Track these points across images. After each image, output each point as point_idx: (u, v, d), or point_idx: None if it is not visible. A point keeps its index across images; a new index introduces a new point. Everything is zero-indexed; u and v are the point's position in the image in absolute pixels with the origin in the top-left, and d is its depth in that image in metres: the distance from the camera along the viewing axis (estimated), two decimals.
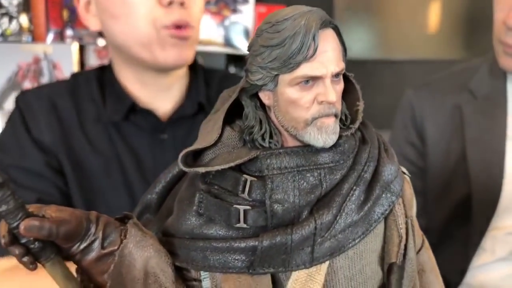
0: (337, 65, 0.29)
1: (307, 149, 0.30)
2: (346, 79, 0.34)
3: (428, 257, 0.37)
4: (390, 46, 1.90)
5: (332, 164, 0.30)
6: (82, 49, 1.39)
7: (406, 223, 0.33)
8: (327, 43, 0.29)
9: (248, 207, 0.29)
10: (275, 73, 0.29)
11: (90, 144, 0.73)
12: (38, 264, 0.28)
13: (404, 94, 1.04)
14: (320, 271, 0.29)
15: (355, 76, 0.34)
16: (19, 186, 0.68)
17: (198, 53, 1.46)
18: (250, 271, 0.29)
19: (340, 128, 0.32)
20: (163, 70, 0.76)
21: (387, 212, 0.32)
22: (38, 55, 1.33)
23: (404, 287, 0.31)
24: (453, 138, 0.95)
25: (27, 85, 1.31)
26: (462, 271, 0.92)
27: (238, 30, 1.52)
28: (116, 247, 0.29)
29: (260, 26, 0.31)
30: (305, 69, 0.29)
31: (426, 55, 1.86)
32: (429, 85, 1.04)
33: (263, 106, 0.31)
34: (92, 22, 0.77)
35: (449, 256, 0.89)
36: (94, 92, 0.77)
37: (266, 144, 0.31)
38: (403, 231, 0.32)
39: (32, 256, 0.27)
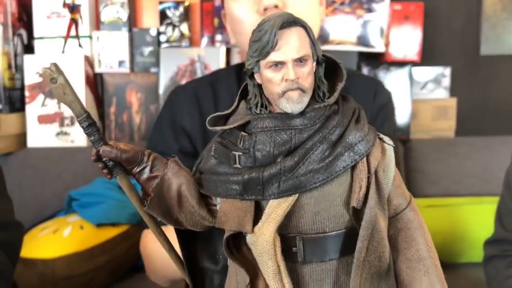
0: (297, 53, 0.39)
1: (284, 115, 0.41)
2: (337, 65, 0.44)
3: (414, 217, 0.44)
4: None
5: (301, 126, 0.41)
6: (228, 51, 1.58)
7: (368, 177, 0.40)
8: (290, 37, 0.39)
9: (240, 153, 0.41)
10: (256, 59, 0.40)
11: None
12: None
13: None
14: (286, 202, 0.40)
15: None
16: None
17: (330, 52, 1.52)
18: (240, 197, 0.41)
19: (317, 101, 0.42)
20: None
21: (348, 166, 0.40)
22: (193, 58, 1.56)
23: (362, 228, 0.39)
24: None
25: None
26: None
27: (372, 28, 1.52)
28: (160, 173, 0.44)
29: (253, 29, 0.42)
30: (272, 56, 0.40)
31: None
32: None
33: (260, 84, 0.43)
34: (230, 35, 0.87)
35: None
36: (231, 84, 0.87)
37: (258, 111, 0.42)
38: (363, 183, 0.40)
39: (108, 170, 0.44)
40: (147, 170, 0.44)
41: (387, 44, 1.54)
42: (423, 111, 1.60)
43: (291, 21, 0.40)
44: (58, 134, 1.49)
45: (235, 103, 0.45)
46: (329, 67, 0.43)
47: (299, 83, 0.40)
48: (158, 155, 0.45)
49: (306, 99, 0.40)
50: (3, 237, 0.70)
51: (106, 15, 1.56)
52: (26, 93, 1.48)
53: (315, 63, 0.41)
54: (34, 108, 1.48)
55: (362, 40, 1.53)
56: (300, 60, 0.39)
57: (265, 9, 0.77)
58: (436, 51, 1.64)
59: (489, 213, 0.97)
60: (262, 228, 0.40)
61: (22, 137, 1.47)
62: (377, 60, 1.57)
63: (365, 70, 1.55)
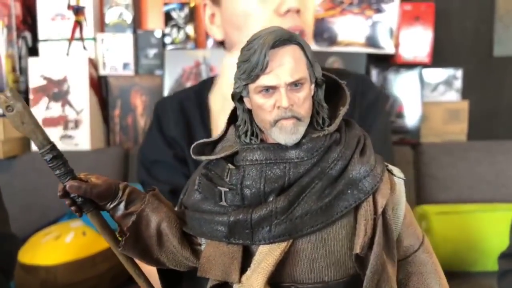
0: (291, 76, 0.34)
1: (278, 145, 0.36)
2: (340, 86, 0.39)
3: (427, 259, 0.38)
4: None
5: (297, 159, 0.35)
6: None
7: (374, 219, 0.35)
8: (284, 58, 0.34)
9: (226, 189, 0.36)
10: (244, 83, 0.35)
11: (209, 137, 0.83)
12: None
13: None
14: (278, 248, 0.35)
15: None
16: (156, 180, 0.81)
17: (338, 54, 1.49)
18: (226, 240, 0.36)
19: (316, 129, 0.36)
20: None
21: (352, 206, 0.35)
22: (198, 60, 1.54)
23: (367, 278, 0.34)
24: None
25: (189, 86, 1.53)
26: None
27: (382, 29, 1.49)
28: (136, 209, 0.39)
29: (242, 47, 0.36)
30: (263, 80, 0.34)
31: None
32: None
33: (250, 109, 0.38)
34: (216, 32, 0.85)
35: None
36: None
37: (248, 140, 0.37)
38: (368, 226, 0.35)
39: (77, 207, 0.39)
40: (122, 206, 0.39)
41: (396, 46, 1.50)
42: (434, 114, 1.56)
43: (285, 39, 0.34)
44: (62, 137, 1.47)
45: (224, 128, 0.40)
46: (330, 87, 0.38)
47: (294, 111, 0.34)
48: (135, 188, 0.40)
49: (302, 128, 0.35)
50: None
51: (111, 17, 1.55)
52: (31, 96, 1.47)
53: (313, 85, 0.36)
54: (39, 111, 1.46)
55: (371, 42, 1.49)
56: (295, 84, 0.34)
57: (288, 11, 0.74)
58: (447, 52, 1.60)
59: (503, 220, 0.93)
60: (250, 278, 0.35)
61: (26, 140, 1.46)
62: (386, 62, 1.53)
63: (374, 72, 1.51)
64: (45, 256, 1.09)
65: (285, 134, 0.35)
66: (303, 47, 0.35)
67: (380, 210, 0.36)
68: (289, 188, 0.35)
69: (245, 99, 0.37)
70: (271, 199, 0.35)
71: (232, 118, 0.40)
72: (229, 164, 0.37)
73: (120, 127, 1.56)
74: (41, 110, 1.47)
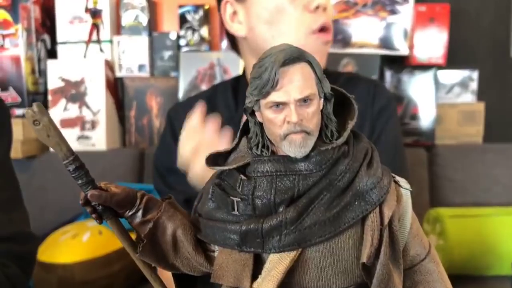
0: (301, 93, 0.36)
1: (287, 158, 0.37)
2: (348, 99, 0.40)
3: (434, 268, 0.39)
4: None
5: (306, 172, 0.37)
6: None
7: (381, 230, 0.36)
8: (294, 75, 0.36)
9: (239, 199, 0.38)
10: (256, 98, 0.37)
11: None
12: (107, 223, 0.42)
13: None
14: (288, 256, 0.36)
15: None
16: (171, 189, 0.82)
17: (352, 56, 1.48)
18: (238, 248, 0.38)
19: (325, 142, 0.38)
20: None
21: (359, 217, 0.36)
22: (213, 62, 1.55)
23: (374, 286, 0.35)
24: None
25: (204, 88, 1.54)
26: None
27: (396, 31, 1.48)
28: (153, 217, 0.41)
29: (254, 63, 0.38)
30: (273, 96, 0.36)
31: None
32: None
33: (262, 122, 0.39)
34: (238, 28, 0.86)
35: None
36: (229, 99, 0.88)
37: (259, 152, 0.38)
38: (375, 237, 0.36)
39: (97, 214, 0.40)
40: (139, 213, 0.41)
41: (411, 47, 1.49)
42: (449, 116, 1.54)
43: (295, 57, 0.36)
44: (79, 138, 1.50)
45: (236, 140, 0.41)
46: (338, 99, 0.39)
47: (303, 125, 0.36)
48: (152, 196, 0.42)
49: (311, 142, 0.36)
50: (18, 250, 0.70)
51: (127, 19, 1.57)
52: (49, 98, 1.50)
53: (322, 100, 0.37)
54: (57, 112, 1.50)
55: (385, 43, 1.49)
56: (304, 100, 0.36)
57: (317, 7, 0.77)
58: (463, 53, 1.58)
59: None
60: (261, 285, 0.36)
61: None
62: (400, 63, 1.52)
63: (388, 74, 1.50)
64: (63, 254, 1.11)
65: (295, 148, 0.36)
66: (312, 64, 0.37)
67: (386, 221, 0.37)
68: (299, 199, 0.36)
69: (257, 113, 0.38)
70: (281, 209, 0.37)
71: (244, 130, 0.41)
72: (241, 175, 0.38)
73: (135, 128, 1.58)
74: (59, 111, 1.50)
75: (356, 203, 0.36)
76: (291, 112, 0.35)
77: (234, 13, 0.86)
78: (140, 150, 1.51)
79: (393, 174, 0.40)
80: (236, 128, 0.84)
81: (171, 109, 0.92)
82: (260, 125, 0.38)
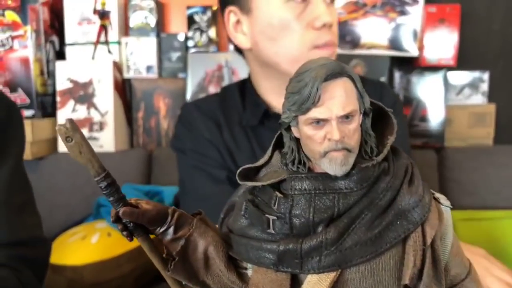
0: (343, 109, 0.34)
1: (326, 175, 0.36)
2: (387, 113, 0.39)
3: None
4: None
5: (347, 190, 0.35)
6: None
7: (423, 250, 0.35)
8: (335, 91, 0.34)
9: (275, 218, 0.36)
10: (294, 114, 0.35)
11: (235, 143, 0.86)
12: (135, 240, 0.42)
13: None
14: (328, 278, 0.35)
15: None
16: (213, 167, 0.84)
17: (361, 57, 1.47)
18: (274, 268, 0.36)
19: (364, 158, 0.36)
20: None
21: (401, 237, 0.35)
22: (221, 63, 1.55)
23: None
24: None
25: (212, 89, 1.54)
26: None
27: (405, 32, 1.47)
28: (185, 234, 0.40)
29: (291, 77, 0.37)
30: (314, 113, 0.35)
31: None
32: None
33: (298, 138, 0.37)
34: (242, 40, 0.86)
35: None
36: (236, 101, 0.89)
37: (295, 169, 0.37)
38: (418, 257, 0.34)
39: (129, 232, 0.40)
40: (171, 230, 0.39)
41: (421, 48, 1.48)
42: (459, 117, 1.53)
43: (337, 72, 0.34)
44: (87, 139, 1.51)
45: (268, 154, 0.40)
46: (373, 114, 0.38)
47: (345, 143, 0.34)
48: (183, 212, 0.41)
49: (351, 159, 0.35)
50: (30, 254, 0.70)
51: (135, 21, 1.57)
52: (58, 99, 1.51)
53: (361, 115, 0.36)
54: (65, 113, 1.50)
55: (395, 44, 1.47)
56: (346, 117, 0.34)
57: (324, 25, 0.75)
58: (473, 54, 1.57)
59: None
60: None
61: (53, 142, 1.50)
62: (410, 64, 1.51)
63: (397, 75, 1.49)
64: (72, 256, 1.11)
65: (335, 166, 0.35)
66: (353, 79, 0.36)
67: (429, 240, 0.36)
68: (339, 219, 0.35)
69: (293, 128, 0.37)
70: (320, 229, 0.35)
71: (276, 144, 0.40)
72: (277, 192, 0.37)
73: (143, 129, 1.58)
74: (68, 112, 1.50)
75: (398, 222, 0.35)
76: (332, 129, 0.34)
77: (238, 22, 0.85)
78: (148, 152, 1.51)
79: (432, 191, 0.39)
80: (245, 130, 0.86)
81: (184, 107, 0.94)
82: (296, 140, 0.37)
